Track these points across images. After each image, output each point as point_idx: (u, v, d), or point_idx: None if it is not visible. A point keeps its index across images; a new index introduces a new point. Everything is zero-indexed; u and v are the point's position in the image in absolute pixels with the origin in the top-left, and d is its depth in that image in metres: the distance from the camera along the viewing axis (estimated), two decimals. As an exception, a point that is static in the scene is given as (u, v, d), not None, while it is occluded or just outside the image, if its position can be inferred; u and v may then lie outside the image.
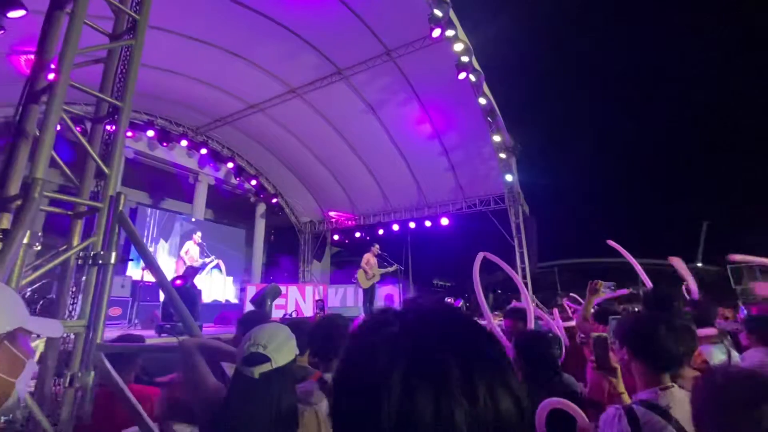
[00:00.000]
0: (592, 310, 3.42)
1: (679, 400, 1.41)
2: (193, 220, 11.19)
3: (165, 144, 10.52)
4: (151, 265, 1.73)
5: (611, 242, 4.99)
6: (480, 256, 3.45)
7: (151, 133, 10.12)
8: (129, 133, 9.33)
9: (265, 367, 1.08)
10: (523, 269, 10.16)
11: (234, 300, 11.52)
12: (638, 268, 4.58)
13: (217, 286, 11.32)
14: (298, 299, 11.34)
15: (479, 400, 0.37)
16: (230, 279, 11.82)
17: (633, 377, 1.67)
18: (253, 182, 12.86)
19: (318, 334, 1.92)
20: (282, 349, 1.12)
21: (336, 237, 14.35)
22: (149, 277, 7.94)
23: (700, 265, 16.90)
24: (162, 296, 7.63)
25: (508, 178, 10.21)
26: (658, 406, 1.40)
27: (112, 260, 1.74)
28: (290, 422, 1.12)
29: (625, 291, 4.27)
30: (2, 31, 4.69)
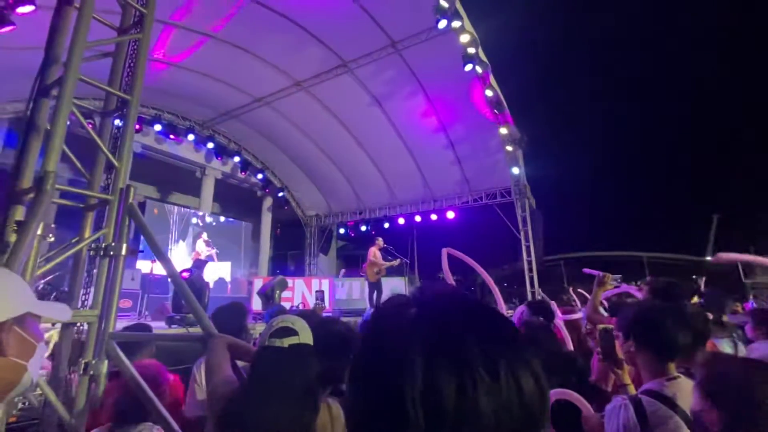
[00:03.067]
0: (606, 304, 3.43)
1: (686, 390, 1.41)
2: (201, 224, 11.44)
3: (172, 138, 10.59)
4: (161, 255, 1.76)
5: (587, 270, 4.88)
6: (444, 252, 3.48)
7: (158, 127, 10.20)
8: (136, 127, 9.45)
9: (294, 340, 1.19)
10: (530, 262, 10.13)
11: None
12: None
13: (223, 279, 11.53)
14: (305, 292, 11.45)
15: (500, 378, 0.37)
16: (227, 264, 12.01)
17: (638, 369, 1.68)
18: (260, 176, 12.92)
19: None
20: (306, 330, 1.24)
21: (342, 231, 14.40)
22: (158, 270, 8.05)
23: (709, 258, 16.68)
24: (172, 288, 7.76)
25: (515, 171, 10.14)
26: (665, 396, 1.40)
27: (123, 251, 1.77)
28: (315, 402, 1.17)
29: (632, 288, 4.22)
30: (13, 27, 4.73)
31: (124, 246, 1.79)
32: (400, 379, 0.38)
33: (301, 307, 8.55)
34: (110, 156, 1.88)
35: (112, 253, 1.75)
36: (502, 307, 3.50)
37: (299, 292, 11.30)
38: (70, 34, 1.99)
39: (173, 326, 4.33)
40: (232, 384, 1.28)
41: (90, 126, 2.07)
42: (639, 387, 1.57)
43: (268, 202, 13.81)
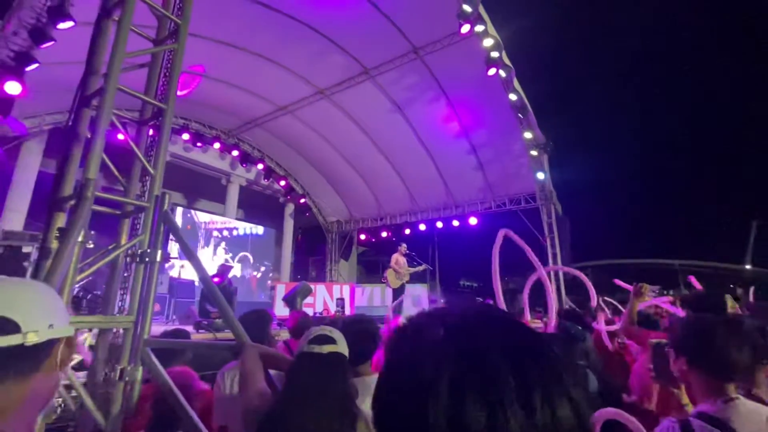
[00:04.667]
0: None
1: (745, 413, 1.26)
2: (220, 236, 11.88)
3: (199, 146, 10.90)
4: (196, 262, 1.76)
5: (618, 281, 4.74)
6: (501, 233, 3.37)
7: (186, 136, 10.52)
8: (166, 137, 9.79)
9: (332, 348, 1.20)
10: (556, 271, 9.82)
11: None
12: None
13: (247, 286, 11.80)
14: (326, 298, 11.49)
15: (536, 409, 0.34)
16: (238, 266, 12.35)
17: (691, 388, 1.55)
18: (282, 183, 13.11)
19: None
20: (342, 341, 1.25)
21: (362, 237, 14.41)
22: (185, 275, 8.24)
23: (749, 267, 15.78)
24: (198, 293, 7.91)
25: (540, 176, 9.90)
26: (719, 420, 1.26)
27: (158, 258, 1.79)
28: (353, 412, 1.14)
29: (667, 298, 4.01)
30: (53, 42, 4.97)
31: (159, 252, 1.80)
32: (425, 408, 0.36)
33: (324, 313, 8.55)
34: (146, 164, 1.91)
35: (147, 259, 1.77)
36: (527, 316, 3.45)
37: (320, 298, 11.33)
38: (109, 46, 2.06)
39: (200, 331, 4.40)
40: (267, 396, 1.25)
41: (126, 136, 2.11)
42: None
43: (290, 208, 14.00)
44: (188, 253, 1.77)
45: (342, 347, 1.25)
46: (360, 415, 1.21)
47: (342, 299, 6.81)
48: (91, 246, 1.60)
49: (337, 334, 1.27)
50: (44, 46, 4.96)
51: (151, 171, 1.93)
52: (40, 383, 0.68)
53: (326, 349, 1.20)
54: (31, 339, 0.64)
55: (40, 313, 0.68)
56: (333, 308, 10.10)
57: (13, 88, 5.14)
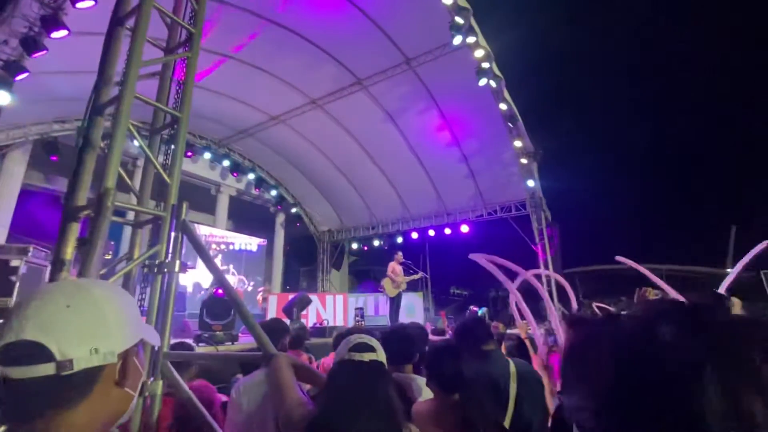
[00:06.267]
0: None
1: None
2: (217, 249, 11.78)
3: (189, 156, 10.75)
4: (217, 273, 1.74)
5: (620, 258, 4.97)
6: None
7: (175, 146, 10.38)
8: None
9: (373, 356, 1.22)
10: (547, 277, 9.94)
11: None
12: (653, 277, 4.52)
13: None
14: (319, 308, 11.31)
15: None
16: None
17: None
18: (273, 192, 13.02)
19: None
20: (381, 349, 1.27)
21: (354, 246, 14.35)
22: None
23: (730, 270, 16.28)
24: (189, 305, 7.72)
25: (530, 183, 10.08)
26: None
27: (177, 268, 1.75)
28: (398, 420, 1.15)
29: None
30: (45, 52, 4.88)
31: (178, 263, 1.77)
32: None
33: (325, 323, 8.44)
34: (163, 173, 1.88)
35: (166, 270, 1.73)
36: (533, 325, 3.54)
37: (313, 309, 11.16)
38: (120, 54, 2.04)
39: (201, 345, 4.29)
40: (306, 405, 1.23)
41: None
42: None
43: (281, 218, 13.87)
44: (210, 264, 1.74)
45: (381, 355, 1.26)
46: (405, 421, 1.21)
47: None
48: (109, 257, 1.56)
49: (375, 343, 1.28)
50: (36, 55, 4.85)
51: (167, 180, 1.90)
52: (96, 408, 0.60)
53: (367, 357, 1.21)
54: (66, 370, 0.56)
55: (81, 335, 0.59)
56: (328, 318, 9.99)
57: (1, 97, 5.01)
